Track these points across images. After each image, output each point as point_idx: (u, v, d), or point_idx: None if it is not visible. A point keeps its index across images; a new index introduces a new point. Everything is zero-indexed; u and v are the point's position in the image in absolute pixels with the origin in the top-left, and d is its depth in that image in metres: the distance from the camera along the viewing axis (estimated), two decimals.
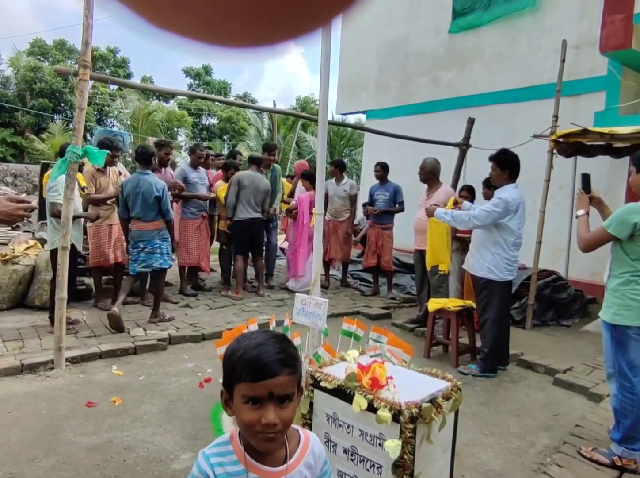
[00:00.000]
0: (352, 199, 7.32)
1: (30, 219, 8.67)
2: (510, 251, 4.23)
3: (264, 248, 7.19)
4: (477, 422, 3.42)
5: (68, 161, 4.00)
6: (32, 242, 6.29)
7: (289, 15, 0.35)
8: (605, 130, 5.62)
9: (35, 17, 70.95)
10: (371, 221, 7.18)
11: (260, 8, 0.33)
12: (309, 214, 6.46)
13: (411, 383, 2.23)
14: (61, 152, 4.96)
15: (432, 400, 2.07)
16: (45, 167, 7.21)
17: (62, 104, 30.02)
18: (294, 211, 7.02)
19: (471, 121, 6.91)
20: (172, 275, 6.51)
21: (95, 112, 30.44)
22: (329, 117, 4.55)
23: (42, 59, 31.41)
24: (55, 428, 3.07)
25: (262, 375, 1.05)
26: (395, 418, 1.96)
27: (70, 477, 2.58)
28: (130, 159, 24.15)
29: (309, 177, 6.56)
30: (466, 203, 4.76)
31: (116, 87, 28.90)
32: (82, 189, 5.27)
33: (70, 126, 20.96)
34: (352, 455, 2.13)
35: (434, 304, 4.62)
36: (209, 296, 6.48)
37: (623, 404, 2.80)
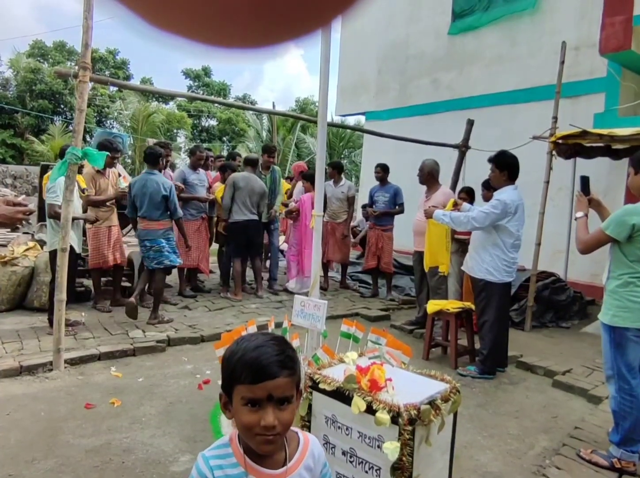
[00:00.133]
0: (350, 200, 7.32)
1: (29, 221, 8.66)
2: (509, 252, 4.23)
3: (268, 251, 7.17)
4: (476, 423, 3.42)
5: (68, 163, 4.00)
6: (31, 243, 6.29)
7: (288, 17, 0.35)
8: (605, 132, 5.63)
9: (36, 19, 71.16)
10: (371, 222, 7.18)
11: (259, 9, 0.33)
12: (311, 215, 6.45)
13: (410, 385, 2.22)
14: (61, 154, 4.96)
15: (431, 402, 2.07)
16: (45, 169, 7.20)
17: (62, 106, 30.04)
18: (294, 213, 7.02)
19: (470, 123, 6.91)
20: (171, 277, 6.51)
21: (95, 114, 30.47)
22: (329, 119, 4.56)
23: (42, 60, 31.45)
24: (54, 430, 3.06)
25: (261, 376, 1.05)
26: (394, 420, 1.96)
27: None
28: (129, 160, 24.19)
29: (310, 178, 6.54)
30: (465, 205, 4.76)
31: (116, 88, 28.93)
32: (83, 191, 5.28)
33: (70, 127, 20.96)
34: (350, 457, 2.13)
35: (433, 306, 4.62)
36: (208, 298, 6.47)
37: (622, 406, 2.80)
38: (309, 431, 2.22)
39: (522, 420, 3.51)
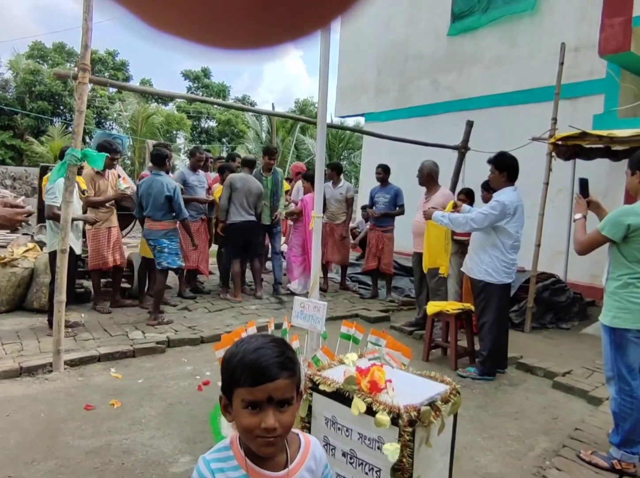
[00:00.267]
0: (349, 202, 7.32)
1: (29, 223, 8.66)
2: (508, 254, 4.23)
3: (269, 254, 7.15)
4: (476, 425, 3.42)
5: (67, 164, 4.00)
6: (31, 245, 6.29)
7: (288, 18, 0.35)
8: (604, 133, 5.63)
9: (35, 20, 71.16)
10: (371, 223, 7.17)
11: (259, 10, 0.33)
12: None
13: (410, 386, 2.22)
14: (61, 155, 4.96)
15: (431, 403, 2.07)
16: (44, 170, 7.21)
17: (62, 107, 30.02)
18: (295, 215, 7.02)
19: (470, 124, 6.92)
20: (171, 278, 6.51)
21: (95, 115, 30.45)
22: (328, 120, 4.55)
23: (41, 62, 31.43)
24: (53, 431, 3.06)
25: (261, 378, 1.05)
26: (394, 421, 1.95)
27: None
28: (129, 162, 24.19)
29: (311, 179, 6.53)
30: (465, 206, 4.75)
31: (115, 90, 28.99)
32: (83, 192, 5.28)
33: (70, 128, 20.99)
34: (350, 458, 2.13)
35: (432, 307, 4.61)
36: (207, 299, 6.47)
37: (622, 407, 2.80)
38: (309, 432, 2.22)
39: (522, 422, 3.51)
